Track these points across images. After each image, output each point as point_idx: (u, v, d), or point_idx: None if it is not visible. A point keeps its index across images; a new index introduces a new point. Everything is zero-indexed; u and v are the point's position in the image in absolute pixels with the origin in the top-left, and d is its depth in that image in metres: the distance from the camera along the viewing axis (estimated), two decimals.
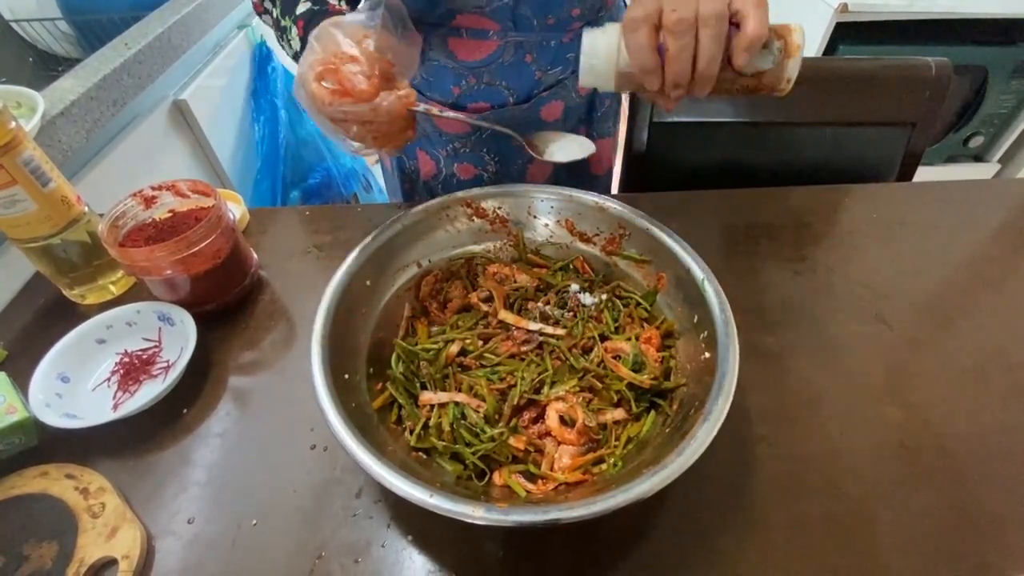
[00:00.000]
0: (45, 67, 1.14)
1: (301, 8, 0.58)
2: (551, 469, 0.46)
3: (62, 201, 0.58)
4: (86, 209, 0.61)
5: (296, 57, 0.57)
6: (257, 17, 0.68)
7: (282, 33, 0.61)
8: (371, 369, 0.51)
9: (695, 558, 0.44)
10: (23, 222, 0.56)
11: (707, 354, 0.47)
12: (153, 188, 0.61)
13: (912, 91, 0.87)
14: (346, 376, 0.48)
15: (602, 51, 0.47)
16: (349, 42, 0.48)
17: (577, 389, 0.50)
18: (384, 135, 0.51)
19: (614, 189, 1.00)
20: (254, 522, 0.46)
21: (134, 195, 0.60)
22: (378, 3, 0.49)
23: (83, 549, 0.43)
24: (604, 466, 0.46)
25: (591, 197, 0.58)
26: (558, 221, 0.61)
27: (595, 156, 0.87)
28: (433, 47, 0.69)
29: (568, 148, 0.56)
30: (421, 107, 0.51)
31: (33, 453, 0.50)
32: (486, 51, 0.68)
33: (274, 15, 0.63)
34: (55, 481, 0.47)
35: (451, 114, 0.55)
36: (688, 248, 0.52)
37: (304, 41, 0.55)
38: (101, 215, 0.59)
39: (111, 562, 0.43)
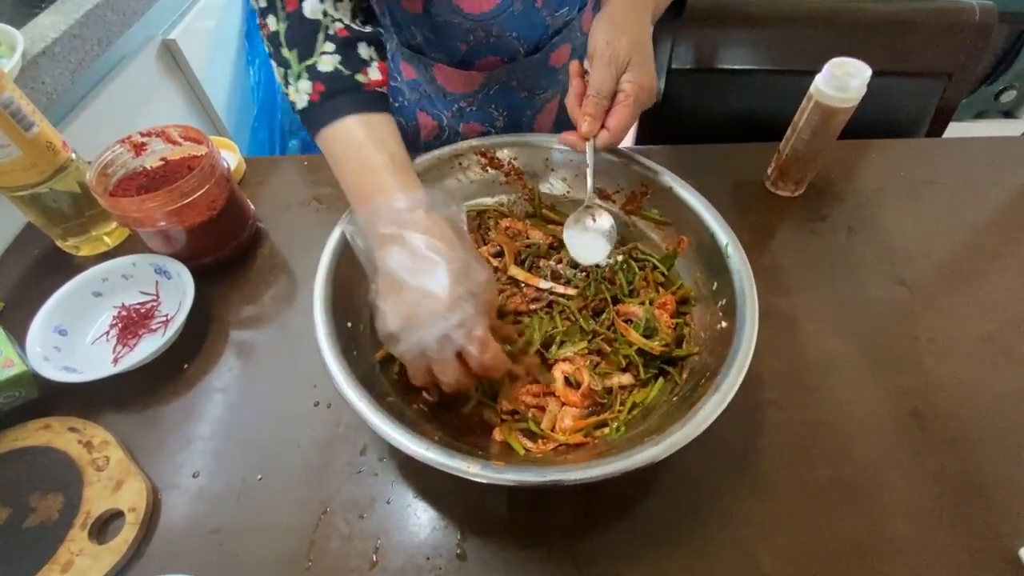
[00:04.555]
0: (27, 4, 1.07)
1: (325, 66, 0.45)
2: (552, 429, 0.45)
3: (47, 147, 0.55)
4: (73, 156, 0.58)
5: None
6: None
7: (282, 66, 0.46)
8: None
9: (701, 518, 0.43)
10: (7, 169, 0.53)
11: (724, 323, 0.45)
12: (142, 134, 0.58)
13: (951, 38, 0.81)
14: (349, 324, 0.46)
15: None
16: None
17: (585, 351, 0.48)
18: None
19: (627, 141, 0.95)
20: (259, 477, 0.46)
21: (122, 141, 0.57)
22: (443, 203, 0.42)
23: (89, 501, 0.43)
24: (607, 430, 0.45)
25: (614, 151, 0.55)
26: (577, 175, 0.58)
27: None
28: (435, 3, 0.62)
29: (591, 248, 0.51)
30: None
31: (35, 406, 0.50)
32: (495, 0, 0.62)
33: (273, 29, 0.47)
34: (58, 434, 0.47)
35: None
36: (714, 211, 0.49)
37: (315, 107, 0.45)
38: (90, 163, 0.56)
39: (117, 514, 0.43)
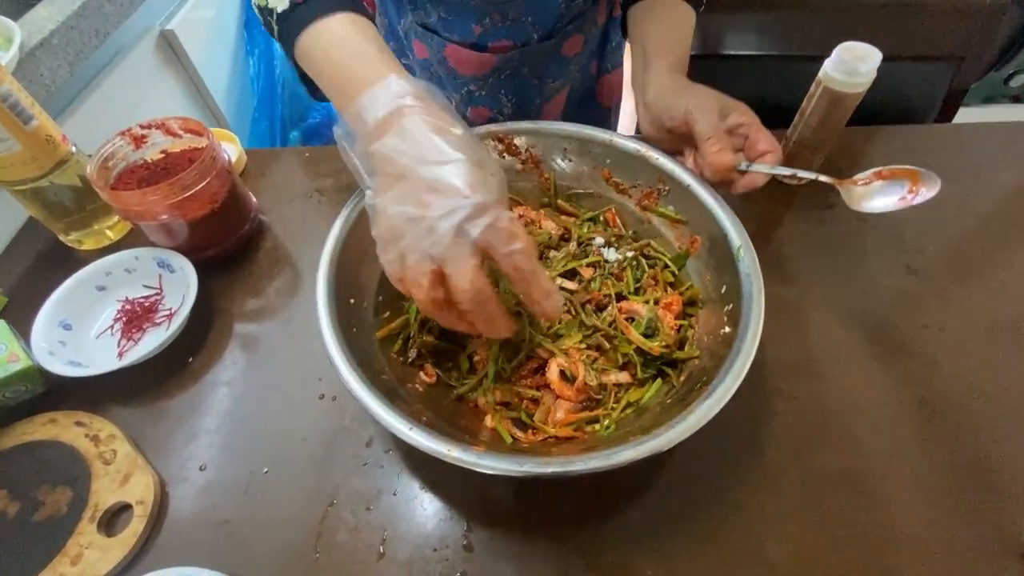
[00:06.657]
0: None
1: None
2: (544, 421, 0.45)
3: (47, 140, 0.54)
4: (73, 149, 0.58)
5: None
6: None
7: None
8: (380, 297, 0.50)
9: (709, 508, 0.43)
10: (8, 163, 0.53)
11: (727, 328, 0.44)
12: (142, 126, 0.58)
13: (962, 20, 0.79)
14: (352, 301, 0.46)
15: None
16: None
17: (583, 346, 0.48)
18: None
19: (629, 127, 0.94)
20: (265, 470, 0.46)
21: (122, 134, 0.57)
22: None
23: (97, 495, 0.43)
24: (597, 426, 0.45)
25: (633, 144, 0.54)
26: (595, 167, 0.57)
27: (605, 88, 0.82)
28: None
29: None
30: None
31: (41, 400, 0.50)
32: None
33: None
34: (65, 428, 0.47)
35: None
36: (729, 211, 0.48)
37: (297, 7, 0.44)
38: (90, 156, 0.55)
39: (126, 507, 0.43)
